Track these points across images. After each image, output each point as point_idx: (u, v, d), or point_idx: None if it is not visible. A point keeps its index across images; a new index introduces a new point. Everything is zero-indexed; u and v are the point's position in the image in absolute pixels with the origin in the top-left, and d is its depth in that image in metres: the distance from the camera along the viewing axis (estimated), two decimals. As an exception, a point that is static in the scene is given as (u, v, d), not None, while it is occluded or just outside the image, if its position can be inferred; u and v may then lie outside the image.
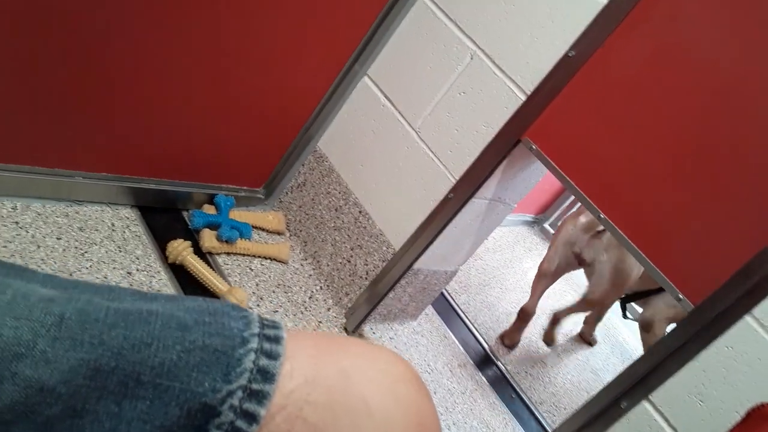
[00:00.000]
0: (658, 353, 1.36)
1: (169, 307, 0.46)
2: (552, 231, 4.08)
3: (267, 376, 0.45)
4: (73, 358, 0.41)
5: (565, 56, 1.54)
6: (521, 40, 1.62)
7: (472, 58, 1.72)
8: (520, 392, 2.30)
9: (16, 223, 1.45)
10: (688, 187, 1.37)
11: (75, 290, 0.46)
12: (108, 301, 0.45)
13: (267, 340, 0.47)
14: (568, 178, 1.53)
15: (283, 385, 0.46)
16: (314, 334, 0.53)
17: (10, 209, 1.47)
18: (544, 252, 2.69)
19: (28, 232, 1.45)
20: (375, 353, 0.54)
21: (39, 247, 1.44)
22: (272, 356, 0.46)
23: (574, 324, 3.22)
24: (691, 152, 1.38)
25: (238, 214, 1.95)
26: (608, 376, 2.96)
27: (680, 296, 1.36)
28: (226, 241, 1.81)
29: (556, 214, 4.09)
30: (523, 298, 2.70)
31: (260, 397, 0.45)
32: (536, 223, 4.14)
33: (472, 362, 2.26)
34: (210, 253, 1.79)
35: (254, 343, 0.46)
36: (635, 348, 3.51)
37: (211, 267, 1.71)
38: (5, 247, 1.38)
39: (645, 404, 1.38)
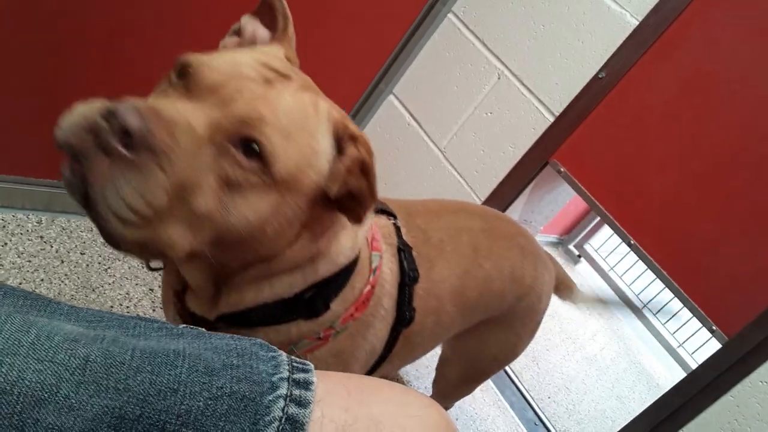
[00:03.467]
0: (690, 386, 1.31)
1: (196, 347, 0.44)
2: (577, 252, 4.01)
3: (296, 425, 0.43)
4: (97, 405, 0.39)
5: (595, 78, 1.52)
6: (550, 60, 1.60)
7: (499, 78, 1.70)
8: (544, 419, 2.25)
9: (41, 237, 1.45)
10: (722, 216, 1.33)
11: (100, 325, 0.44)
12: (134, 339, 0.43)
13: (296, 386, 0.45)
14: (597, 203, 1.50)
15: None
16: (345, 376, 0.51)
17: (35, 223, 1.47)
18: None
19: (52, 246, 1.45)
20: (407, 398, 0.51)
21: (63, 261, 1.44)
22: (302, 404, 0.44)
23: (600, 349, 3.15)
24: (726, 180, 1.33)
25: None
26: (634, 404, 2.88)
27: (714, 328, 1.31)
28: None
29: (581, 235, 4.02)
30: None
31: None
32: (561, 244, 4.07)
33: (494, 387, 2.21)
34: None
35: (283, 389, 0.44)
36: (660, 374, 3.43)
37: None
38: (29, 261, 1.38)
39: (676, 438, 1.33)
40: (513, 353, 1.38)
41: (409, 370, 1.95)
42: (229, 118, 0.59)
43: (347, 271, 0.82)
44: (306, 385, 0.45)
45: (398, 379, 1.90)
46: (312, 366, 0.47)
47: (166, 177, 0.55)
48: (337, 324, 0.82)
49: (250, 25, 0.80)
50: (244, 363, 0.44)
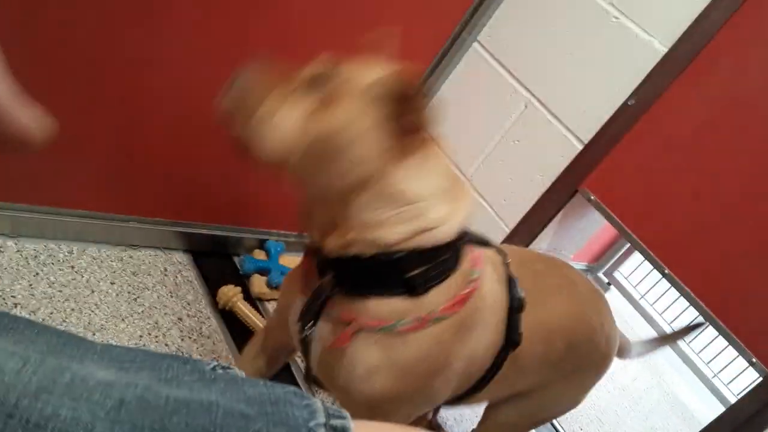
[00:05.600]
0: (731, 420, 1.27)
1: (230, 397, 0.44)
2: (606, 280, 3.95)
3: None
4: None
5: (624, 105, 1.50)
6: (578, 88, 1.59)
7: (526, 107, 1.69)
8: (576, 452, 2.19)
9: (72, 267, 1.47)
10: (759, 245, 1.30)
11: (132, 366, 0.44)
12: (167, 387, 0.43)
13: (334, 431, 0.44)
14: (629, 231, 1.47)
15: None
16: (380, 425, 0.50)
17: (66, 253, 1.49)
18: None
19: (83, 276, 1.47)
20: None
21: (93, 291, 1.45)
22: None
23: (633, 379, 3.08)
24: (761, 207, 1.30)
25: (289, 260, 1.94)
26: (669, 437, 2.80)
27: (753, 360, 1.27)
28: (276, 287, 1.80)
29: (610, 263, 3.96)
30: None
31: None
32: (590, 271, 4.02)
33: (524, 418, 2.17)
34: (260, 299, 1.78)
35: None
36: (695, 405, 3.33)
37: (260, 313, 1.70)
38: (60, 291, 1.40)
39: (716, 476, 1.29)
40: (575, 403, 1.40)
41: (449, 415, 1.91)
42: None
43: (445, 262, 0.91)
44: (344, 430, 0.44)
45: (435, 426, 1.87)
46: (348, 414, 0.46)
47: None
48: (437, 311, 0.91)
49: None
50: (279, 410, 0.43)
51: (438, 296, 0.92)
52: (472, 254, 0.98)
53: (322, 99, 0.84)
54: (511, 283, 1.06)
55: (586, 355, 1.26)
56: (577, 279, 1.28)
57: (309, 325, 0.94)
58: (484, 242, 1.08)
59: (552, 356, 1.17)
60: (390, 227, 0.87)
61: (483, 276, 1.00)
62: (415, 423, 1.47)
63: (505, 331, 1.04)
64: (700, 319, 1.40)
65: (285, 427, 0.42)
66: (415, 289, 0.89)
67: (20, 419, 0.36)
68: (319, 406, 0.45)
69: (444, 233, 0.90)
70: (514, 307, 1.05)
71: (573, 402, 1.39)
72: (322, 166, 0.85)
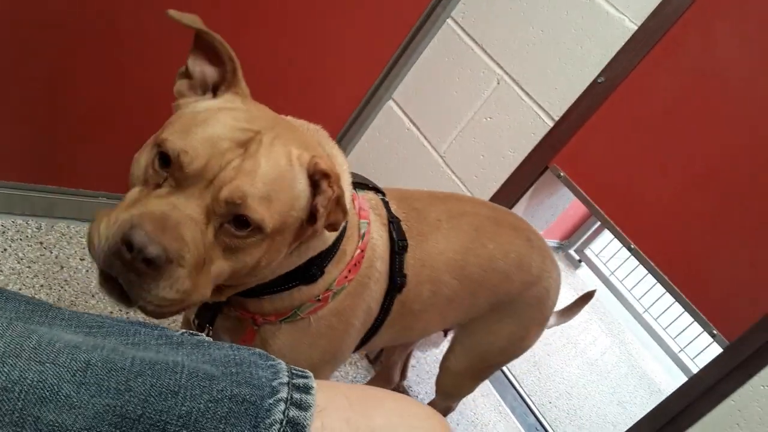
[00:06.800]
0: (691, 391, 1.31)
1: (195, 359, 0.44)
2: (577, 257, 4.01)
3: (297, 428, 0.43)
4: (98, 404, 0.39)
5: (594, 82, 1.52)
6: (549, 65, 1.60)
7: (498, 83, 1.70)
8: (545, 424, 2.24)
9: (41, 243, 1.45)
10: (723, 220, 1.33)
11: (100, 331, 0.44)
12: (133, 349, 0.43)
13: (297, 390, 0.45)
14: (597, 207, 1.49)
15: None
16: (346, 386, 0.51)
17: (35, 229, 1.47)
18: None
19: (52, 252, 1.45)
20: (410, 409, 0.51)
21: (62, 267, 1.44)
22: (303, 407, 0.44)
23: (601, 353, 3.15)
24: (726, 184, 1.33)
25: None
26: (635, 409, 2.88)
27: (714, 332, 1.31)
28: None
29: (581, 240, 4.02)
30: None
31: None
32: (561, 248, 4.08)
33: (495, 392, 2.21)
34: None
35: (284, 393, 0.44)
36: (662, 379, 3.42)
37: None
38: (29, 267, 1.38)
39: (677, 443, 1.33)
40: (520, 346, 1.39)
41: (410, 375, 1.94)
42: (219, 202, 0.72)
43: (337, 239, 0.93)
44: (306, 389, 0.45)
45: (402, 390, 1.90)
46: (311, 373, 0.47)
47: (186, 269, 0.70)
48: (333, 286, 0.94)
49: (198, 66, 0.86)
50: (243, 370, 0.44)
51: (332, 270, 0.94)
52: (356, 202, 0.99)
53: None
54: (392, 224, 1.05)
55: (499, 285, 1.23)
56: (469, 209, 1.23)
57: (206, 330, 0.95)
58: (362, 184, 1.08)
59: (445, 292, 1.14)
60: (289, 263, 0.89)
61: (370, 227, 1.00)
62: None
63: (388, 273, 1.04)
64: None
65: (248, 386, 0.43)
66: (312, 277, 0.91)
67: None
68: (283, 366, 0.46)
69: (335, 233, 0.92)
70: (397, 250, 1.04)
71: (518, 341, 1.36)
72: (241, 278, 0.83)
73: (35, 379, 0.38)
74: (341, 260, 0.95)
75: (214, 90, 0.85)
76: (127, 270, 0.67)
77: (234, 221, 0.73)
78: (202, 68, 0.86)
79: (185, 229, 0.70)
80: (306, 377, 0.46)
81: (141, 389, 0.40)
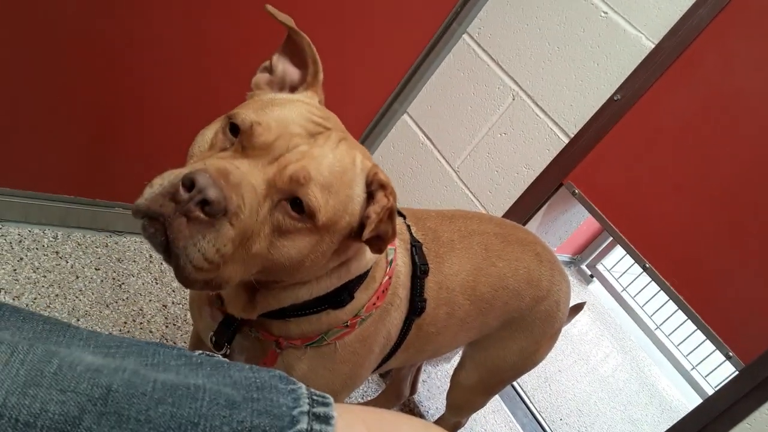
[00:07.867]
0: (706, 413, 1.29)
1: (216, 381, 0.44)
2: (589, 272, 3.99)
3: None
4: None
5: (610, 100, 1.52)
6: (565, 82, 1.60)
7: (513, 99, 1.70)
8: (555, 442, 2.22)
9: (57, 252, 1.46)
10: (740, 240, 1.32)
11: (119, 351, 0.44)
12: (154, 371, 0.43)
13: (317, 420, 0.44)
14: (612, 225, 1.49)
15: None
16: (362, 410, 0.50)
17: (51, 238, 1.49)
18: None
19: (68, 262, 1.46)
20: None
21: (78, 277, 1.44)
22: None
23: (613, 370, 3.12)
24: (743, 203, 1.32)
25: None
26: (646, 427, 2.85)
27: (730, 354, 1.29)
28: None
29: (594, 255, 4.00)
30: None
31: None
32: (573, 263, 4.05)
33: (506, 408, 2.19)
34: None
35: (304, 424, 0.43)
36: (673, 396, 3.38)
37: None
38: (45, 276, 1.39)
39: (691, 466, 1.31)
40: (532, 360, 1.38)
41: (421, 390, 1.93)
42: (283, 177, 0.71)
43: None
44: (326, 419, 0.45)
45: (415, 412, 1.89)
46: (332, 399, 0.47)
47: (234, 231, 0.67)
48: (362, 312, 0.93)
49: (281, 63, 0.88)
50: (264, 396, 0.44)
51: (362, 296, 0.93)
52: None
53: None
54: (414, 248, 1.05)
55: (510, 302, 1.22)
56: (476, 227, 1.21)
57: (224, 349, 0.93)
58: None
59: (459, 314, 1.14)
60: (327, 284, 0.88)
61: (396, 254, 1.00)
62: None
63: (408, 298, 1.03)
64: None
65: (269, 416, 0.43)
66: (342, 302, 0.90)
67: (9, 419, 0.36)
68: (303, 392, 0.46)
69: (373, 257, 0.92)
70: (419, 274, 1.03)
71: (530, 355, 1.35)
72: (278, 276, 0.80)
73: (57, 411, 0.37)
74: (370, 286, 0.94)
75: (291, 91, 0.87)
76: (176, 212, 0.64)
77: (291, 200, 0.72)
78: (284, 67, 0.88)
79: (245, 191, 0.68)
80: (327, 405, 0.46)
81: (161, 420, 0.40)
